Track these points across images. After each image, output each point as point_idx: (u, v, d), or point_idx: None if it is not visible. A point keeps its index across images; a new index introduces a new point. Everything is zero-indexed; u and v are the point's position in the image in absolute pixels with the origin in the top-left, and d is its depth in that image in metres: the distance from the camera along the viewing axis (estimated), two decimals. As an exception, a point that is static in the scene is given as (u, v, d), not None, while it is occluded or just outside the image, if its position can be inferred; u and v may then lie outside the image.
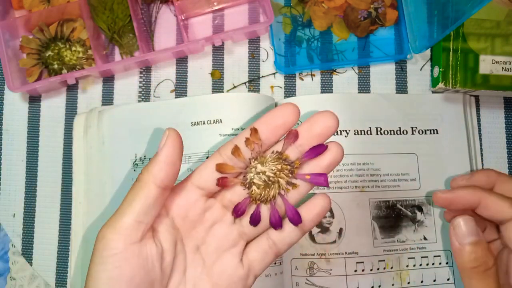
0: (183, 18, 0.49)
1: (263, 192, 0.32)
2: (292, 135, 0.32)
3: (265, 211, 0.33)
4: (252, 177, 0.32)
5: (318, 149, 0.32)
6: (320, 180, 0.32)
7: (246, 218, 0.34)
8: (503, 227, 0.37)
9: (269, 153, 0.33)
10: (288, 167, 0.32)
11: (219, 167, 0.32)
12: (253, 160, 0.32)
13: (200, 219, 0.34)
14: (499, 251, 0.40)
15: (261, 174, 0.32)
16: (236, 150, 0.32)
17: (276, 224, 0.33)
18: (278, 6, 0.50)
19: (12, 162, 0.49)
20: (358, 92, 0.49)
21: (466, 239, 0.36)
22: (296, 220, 0.32)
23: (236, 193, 0.34)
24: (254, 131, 0.32)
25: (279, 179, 0.32)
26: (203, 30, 0.50)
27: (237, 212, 0.33)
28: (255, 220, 0.33)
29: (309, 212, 0.34)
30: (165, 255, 0.32)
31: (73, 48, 0.48)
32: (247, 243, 0.35)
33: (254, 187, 0.32)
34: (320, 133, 0.32)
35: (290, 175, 0.32)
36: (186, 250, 0.34)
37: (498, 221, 0.38)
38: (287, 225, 0.33)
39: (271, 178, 0.32)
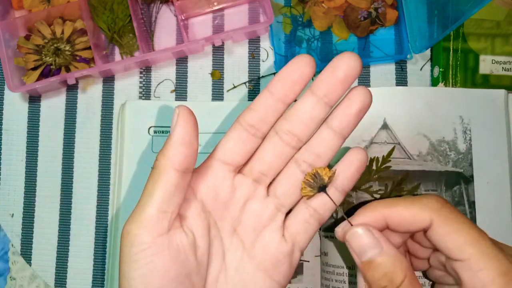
0: (183, 18, 0.49)
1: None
2: None
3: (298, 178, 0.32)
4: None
5: None
6: None
7: (280, 188, 0.32)
8: (430, 234, 0.29)
9: None
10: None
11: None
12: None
13: (231, 198, 0.31)
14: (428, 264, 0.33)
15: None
16: None
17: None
18: (278, 6, 0.50)
19: (12, 162, 0.49)
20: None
21: (370, 252, 0.29)
22: None
23: (266, 163, 0.32)
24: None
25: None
26: (203, 30, 0.50)
27: None
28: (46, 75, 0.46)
29: (347, 169, 0.31)
30: (198, 242, 0.30)
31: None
32: (286, 216, 0.32)
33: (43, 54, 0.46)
34: (344, 78, 0.30)
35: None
36: (221, 234, 0.31)
37: (414, 231, 0.31)
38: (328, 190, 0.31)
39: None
